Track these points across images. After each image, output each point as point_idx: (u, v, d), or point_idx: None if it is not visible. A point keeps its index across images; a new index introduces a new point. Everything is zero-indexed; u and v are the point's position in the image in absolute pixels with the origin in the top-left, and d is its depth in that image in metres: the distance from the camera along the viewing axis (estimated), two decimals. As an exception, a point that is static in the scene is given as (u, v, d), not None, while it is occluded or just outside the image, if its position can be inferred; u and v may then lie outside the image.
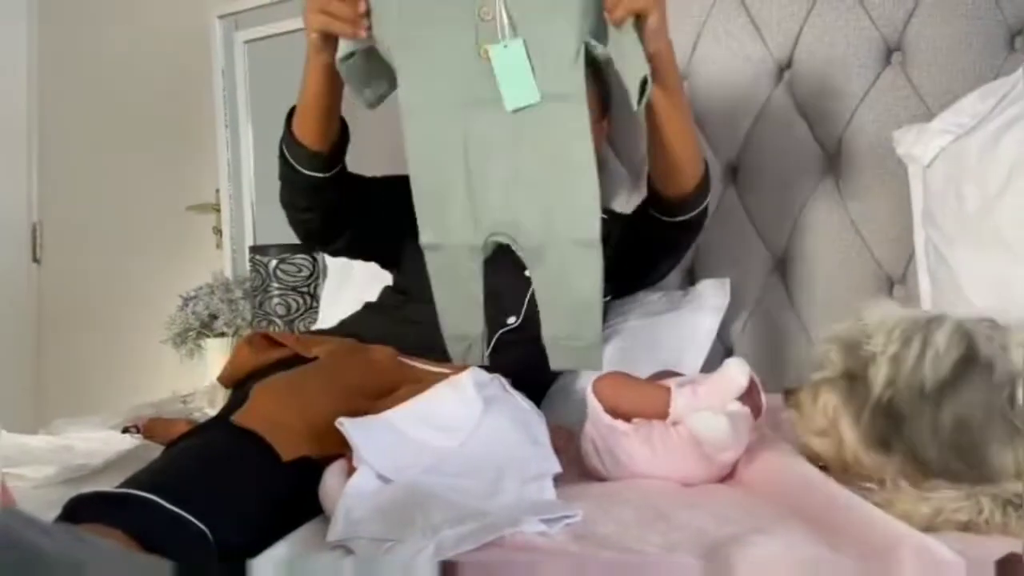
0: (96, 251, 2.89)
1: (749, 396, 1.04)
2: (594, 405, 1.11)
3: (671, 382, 1.09)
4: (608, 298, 1.54)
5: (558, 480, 1.05)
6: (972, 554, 0.76)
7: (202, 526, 0.85)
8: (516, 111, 1.05)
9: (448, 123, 1.08)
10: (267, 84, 2.44)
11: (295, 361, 1.28)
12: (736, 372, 1.03)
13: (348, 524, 0.89)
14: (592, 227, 1.05)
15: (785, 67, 1.64)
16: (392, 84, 1.15)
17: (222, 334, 2.23)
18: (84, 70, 2.90)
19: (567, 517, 0.88)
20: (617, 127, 1.70)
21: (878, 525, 0.81)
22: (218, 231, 2.60)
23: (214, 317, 2.24)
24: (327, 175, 1.34)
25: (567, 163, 1.05)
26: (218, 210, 2.58)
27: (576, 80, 1.04)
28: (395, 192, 1.25)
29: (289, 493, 1.02)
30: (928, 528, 0.83)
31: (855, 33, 1.57)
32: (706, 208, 1.40)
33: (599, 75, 1.62)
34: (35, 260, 3.04)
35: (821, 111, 1.60)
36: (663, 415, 1.05)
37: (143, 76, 2.74)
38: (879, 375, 0.92)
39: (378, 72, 1.16)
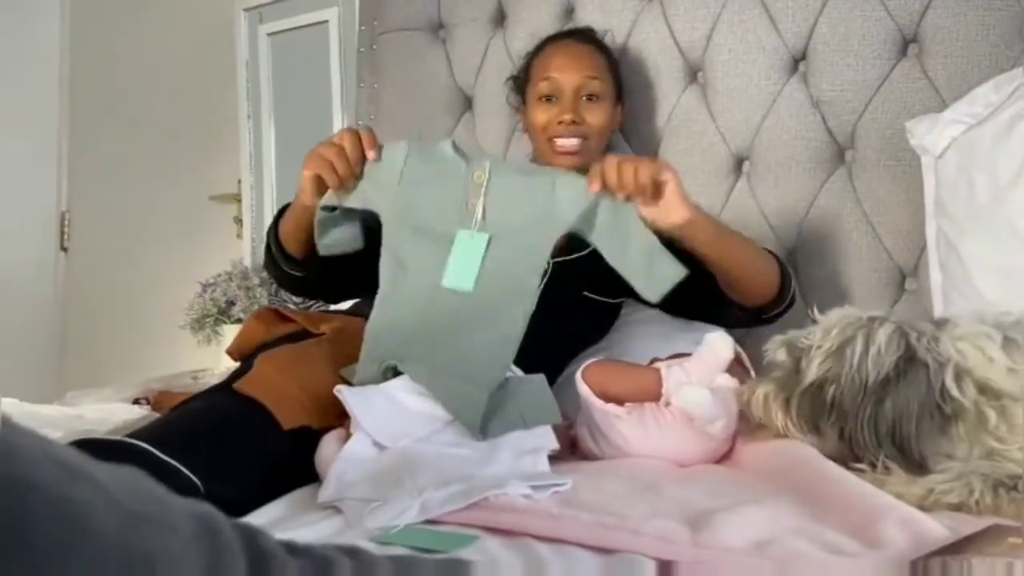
0: (121, 240, 2.94)
1: (739, 367, 1.04)
2: (584, 392, 1.11)
3: (660, 364, 1.09)
4: (620, 300, 1.54)
5: (554, 459, 1.05)
6: (961, 530, 0.76)
7: (194, 479, 0.86)
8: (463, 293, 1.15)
9: (418, 298, 1.17)
10: (290, 76, 2.47)
11: (303, 336, 1.29)
12: (719, 345, 1.03)
13: (339, 486, 0.91)
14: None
15: (800, 58, 1.63)
16: (352, 244, 1.27)
17: (239, 320, 2.26)
18: (113, 64, 2.95)
19: (556, 485, 0.89)
20: (630, 115, 1.70)
21: (866, 498, 0.80)
22: (239, 221, 2.63)
23: (231, 304, 2.27)
24: (306, 274, 1.37)
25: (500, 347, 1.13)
26: (239, 200, 2.61)
27: (533, 284, 1.15)
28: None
29: (287, 460, 1.03)
30: (919, 509, 0.83)
31: (871, 24, 1.56)
32: (792, 300, 1.38)
33: (613, 59, 1.63)
34: (62, 249, 3.09)
35: (834, 102, 1.59)
36: (655, 396, 1.05)
37: (169, 69, 2.79)
38: (811, 365, 0.95)
39: (346, 232, 1.26)
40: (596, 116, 1.51)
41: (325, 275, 1.39)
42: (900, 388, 0.89)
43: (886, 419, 0.89)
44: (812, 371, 0.94)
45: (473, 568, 0.47)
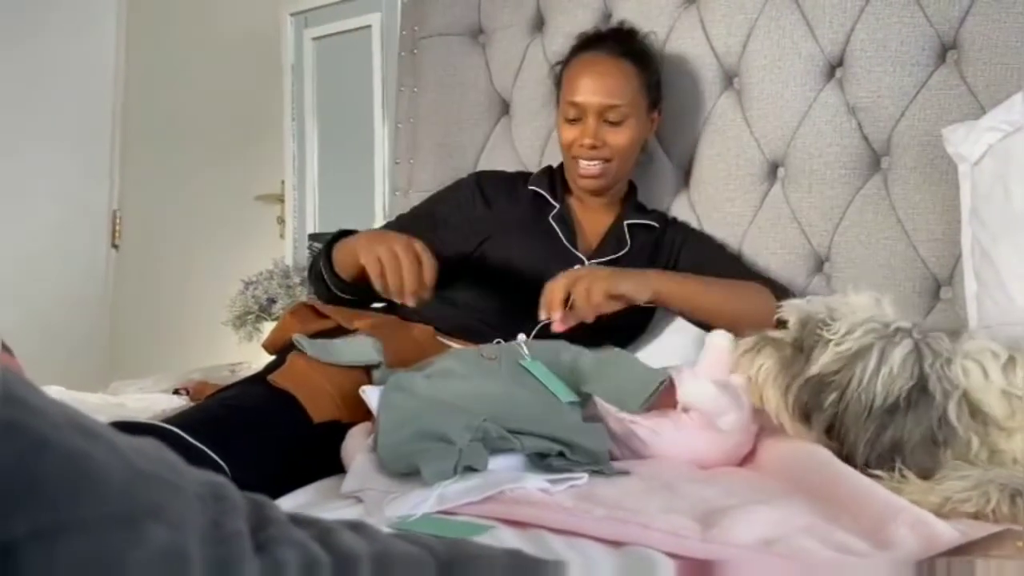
0: (169, 238, 3.03)
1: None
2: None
3: (671, 370, 1.10)
4: None
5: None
6: (972, 534, 0.75)
7: (222, 464, 0.89)
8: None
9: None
10: (333, 79, 2.52)
11: (337, 332, 1.32)
12: (722, 343, 1.04)
13: (362, 477, 0.93)
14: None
15: (836, 64, 1.62)
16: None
17: (279, 318, 2.30)
18: (164, 67, 3.05)
19: (572, 480, 0.90)
20: (665, 120, 1.71)
21: (877, 500, 0.80)
22: (282, 221, 2.69)
23: (272, 301, 2.32)
24: (354, 296, 1.43)
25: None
26: (283, 200, 2.67)
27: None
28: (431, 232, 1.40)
29: (315, 452, 1.06)
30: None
31: (909, 30, 1.55)
32: None
33: (650, 65, 1.64)
34: (114, 246, 3.20)
35: (871, 109, 1.58)
36: (671, 403, 1.06)
37: (218, 72, 2.86)
38: (820, 360, 0.96)
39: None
40: (618, 137, 1.55)
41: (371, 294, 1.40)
42: (907, 419, 0.90)
43: (882, 444, 0.90)
44: (818, 366, 0.95)
45: (472, 547, 0.49)
